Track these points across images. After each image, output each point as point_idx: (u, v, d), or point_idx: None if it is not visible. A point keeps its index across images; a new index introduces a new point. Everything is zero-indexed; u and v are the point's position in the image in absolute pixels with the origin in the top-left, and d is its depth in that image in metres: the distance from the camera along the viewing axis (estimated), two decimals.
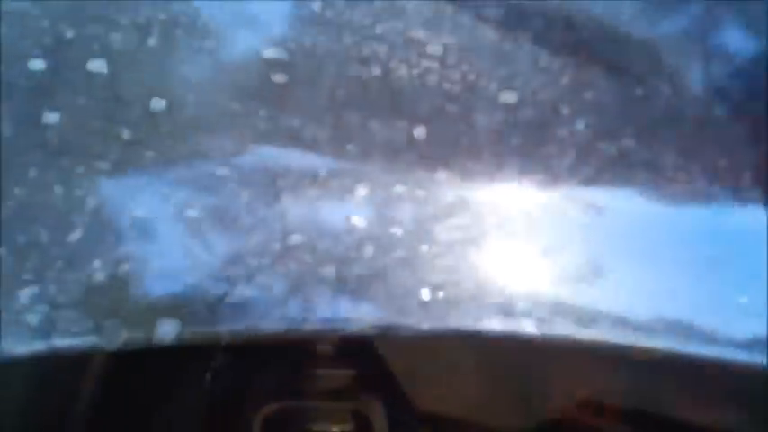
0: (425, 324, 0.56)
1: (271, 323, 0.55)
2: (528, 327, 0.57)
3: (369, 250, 0.56)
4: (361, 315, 0.56)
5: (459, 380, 1.04)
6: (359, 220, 0.57)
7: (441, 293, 0.56)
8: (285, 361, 0.99)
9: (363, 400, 0.96)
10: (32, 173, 0.55)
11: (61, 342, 0.53)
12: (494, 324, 0.57)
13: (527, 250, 0.58)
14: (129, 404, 1.04)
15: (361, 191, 0.57)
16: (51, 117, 0.56)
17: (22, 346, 0.53)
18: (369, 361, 1.00)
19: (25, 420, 0.91)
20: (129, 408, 1.03)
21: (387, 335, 0.56)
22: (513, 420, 1.07)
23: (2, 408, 0.87)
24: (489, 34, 0.59)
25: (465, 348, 1.01)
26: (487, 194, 0.58)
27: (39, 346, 0.53)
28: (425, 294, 0.56)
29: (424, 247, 0.57)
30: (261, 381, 1.01)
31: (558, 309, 0.57)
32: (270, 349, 1.01)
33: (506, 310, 0.57)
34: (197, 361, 1.04)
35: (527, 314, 0.57)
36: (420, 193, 0.58)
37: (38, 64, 0.56)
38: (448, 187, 0.58)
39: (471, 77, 0.58)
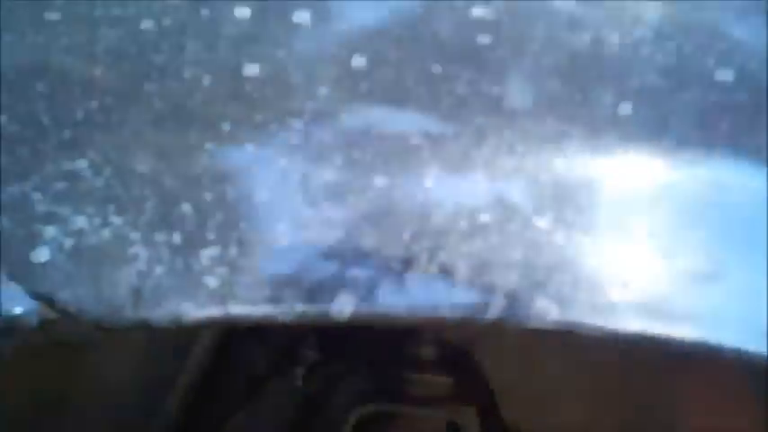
0: (613, 325, 0.52)
1: (451, 309, 0.52)
2: (722, 339, 0.53)
3: (560, 237, 0.53)
4: (546, 308, 0.52)
5: (558, 402, 1.02)
6: (550, 210, 0.54)
7: (630, 292, 0.52)
8: (383, 362, 0.98)
9: (459, 410, 0.93)
10: (226, 126, 0.54)
11: (237, 310, 0.51)
12: (686, 332, 0.53)
13: (730, 254, 0.54)
14: (219, 398, 1.02)
15: (558, 170, 0.54)
16: (251, 69, 0.55)
17: (197, 312, 0.51)
18: (468, 370, 0.97)
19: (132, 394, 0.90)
20: (219, 402, 1.02)
21: (570, 333, 0.53)
22: None
23: (115, 377, 0.86)
24: (710, 3, 0.55)
25: (570, 369, 0.97)
26: (692, 181, 0.54)
27: (215, 311, 0.51)
28: (615, 293, 0.52)
29: (620, 239, 0.53)
30: (356, 381, 1.00)
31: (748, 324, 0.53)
32: (366, 350, 1.00)
33: (698, 320, 0.53)
34: (288, 358, 1.02)
35: (719, 326, 0.53)
36: (620, 178, 0.54)
37: (244, 11, 0.55)
38: (651, 172, 0.54)
39: (687, 50, 0.55)
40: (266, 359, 1.03)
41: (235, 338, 0.99)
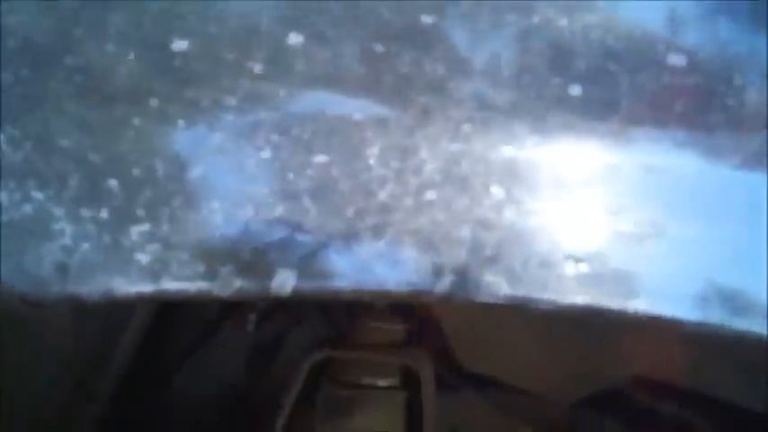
0: (566, 299, 0.55)
1: (398, 284, 0.54)
2: (676, 311, 0.56)
3: (508, 214, 0.56)
4: (496, 284, 0.54)
5: (510, 344, 1.05)
6: (498, 188, 0.56)
7: (583, 267, 0.55)
8: (335, 310, 1.00)
9: (412, 355, 0.97)
10: (153, 102, 0.55)
11: (170, 285, 0.52)
12: (640, 306, 0.56)
13: (679, 227, 0.57)
14: (172, 343, 1.04)
15: (505, 151, 0.56)
16: (180, 44, 0.55)
17: (129, 287, 0.52)
18: (420, 316, 1.01)
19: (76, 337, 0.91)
20: (172, 347, 1.04)
21: (521, 307, 0.55)
22: (564, 389, 1.07)
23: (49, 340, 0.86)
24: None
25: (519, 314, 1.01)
26: (643, 163, 0.57)
27: (146, 287, 0.52)
28: (567, 267, 0.55)
29: (566, 216, 0.56)
30: (310, 327, 1.04)
31: (713, 295, 0.56)
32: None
33: (650, 292, 0.56)
34: (241, 304, 1.04)
35: (673, 298, 0.56)
36: (567, 158, 0.56)
37: None
38: (599, 153, 0.57)
39: (637, 34, 0.57)
40: (218, 304, 1.03)
41: None
